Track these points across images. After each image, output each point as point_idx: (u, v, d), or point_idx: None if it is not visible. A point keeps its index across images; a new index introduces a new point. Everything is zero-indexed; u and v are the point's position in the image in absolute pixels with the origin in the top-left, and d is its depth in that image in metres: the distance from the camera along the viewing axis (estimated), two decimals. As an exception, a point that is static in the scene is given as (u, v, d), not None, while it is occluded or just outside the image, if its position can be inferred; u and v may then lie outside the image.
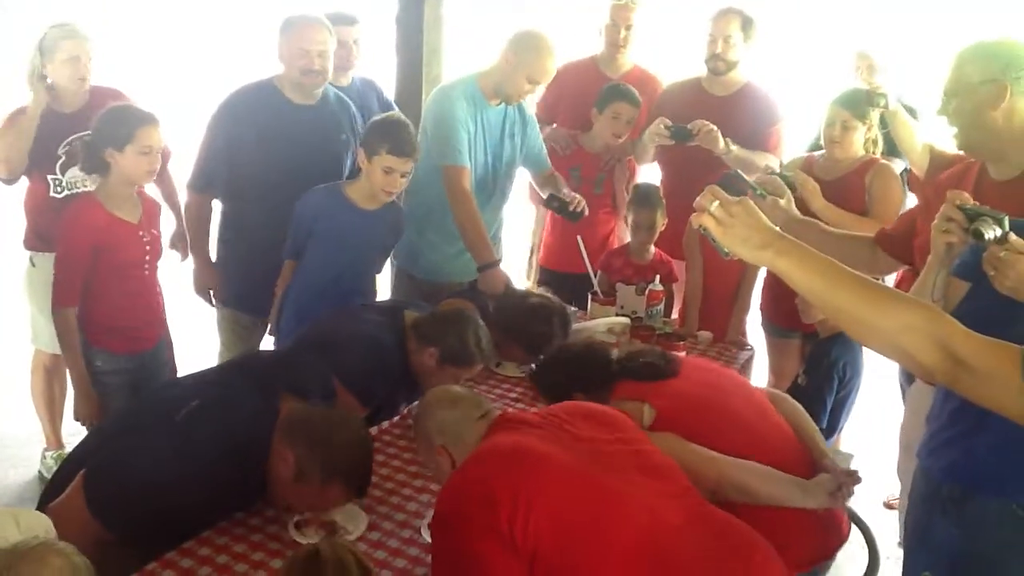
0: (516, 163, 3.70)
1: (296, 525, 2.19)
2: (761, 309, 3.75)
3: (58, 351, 3.71)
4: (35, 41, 3.40)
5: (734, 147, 3.70)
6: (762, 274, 3.73)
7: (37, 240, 3.62)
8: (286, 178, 3.34)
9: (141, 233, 3.08)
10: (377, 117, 3.35)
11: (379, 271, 3.61)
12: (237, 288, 3.60)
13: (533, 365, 3.24)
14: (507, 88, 3.47)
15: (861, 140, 3.39)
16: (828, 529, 2.31)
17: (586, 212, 3.59)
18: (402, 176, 3.19)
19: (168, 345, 3.36)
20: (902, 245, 2.69)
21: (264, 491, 2.25)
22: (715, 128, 3.64)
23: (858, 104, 3.33)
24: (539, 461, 1.87)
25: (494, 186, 3.65)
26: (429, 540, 2.15)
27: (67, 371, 3.81)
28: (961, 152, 2.50)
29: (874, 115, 3.36)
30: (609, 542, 1.77)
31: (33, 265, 3.64)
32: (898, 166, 3.84)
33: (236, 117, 3.34)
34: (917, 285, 2.21)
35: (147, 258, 3.12)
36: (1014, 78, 2.23)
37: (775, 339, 3.74)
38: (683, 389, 2.36)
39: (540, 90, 3.73)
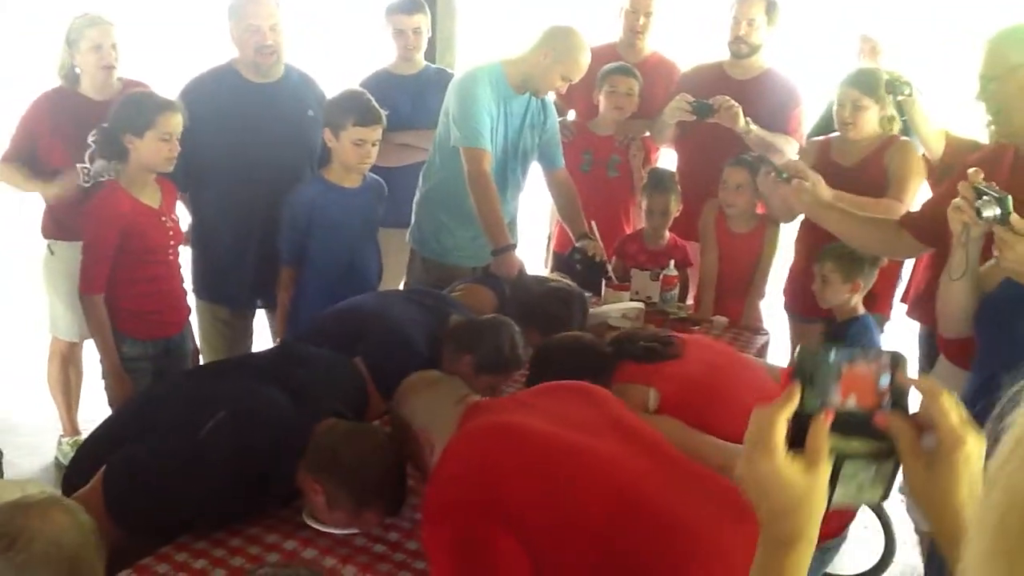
0: (533, 154, 3.68)
1: (309, 511, 2.17)
2: (785, 294, 3.73)
3: (74, 339, 3.74)
4: (63, 34, 3.43)
5: (753, 126, 3.67)
6: (786, 264, 3.70)
7: (56, 228, 3.61)
8: (253, 161, 3.35)
9: (163, 219, 3.09)
10: (334, 94, 3.36)
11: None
12: (210, 279, 3.58)
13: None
14: (539, 82, 3.45)
15: (875, 120, 3.32)
16: None
17: (608, 269, 3.56)
18: (372, 145, 3.21)
19: (191, 331, 3.37)
20: (929, 228, 2.64)
21: (284, 500, 2.23)
22: (736, 105, 3.62)
23: (868, 83, 3.28)
24: (515, 432, 1.87)
25: (510, 174, 3.63)
26: None
27: (82, 359, 3.86)
28: (999, 138, 2.48)
29: (889, 97, 3.31)
30: (584, 498, 1.76)
31: (52, 253, 3.64)
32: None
33: (195, 104, 3.22)
34: (947, 266, 2.21)
35: (171, 243, 3.13)
36: None
37: (798, 324, 3.71)
38: (686, 371, 2.33)
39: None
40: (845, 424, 0.99)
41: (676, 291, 3.58)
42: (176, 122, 2.98)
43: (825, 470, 0.98)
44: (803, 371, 1.01)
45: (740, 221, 3.66)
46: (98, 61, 3.41)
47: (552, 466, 1.80)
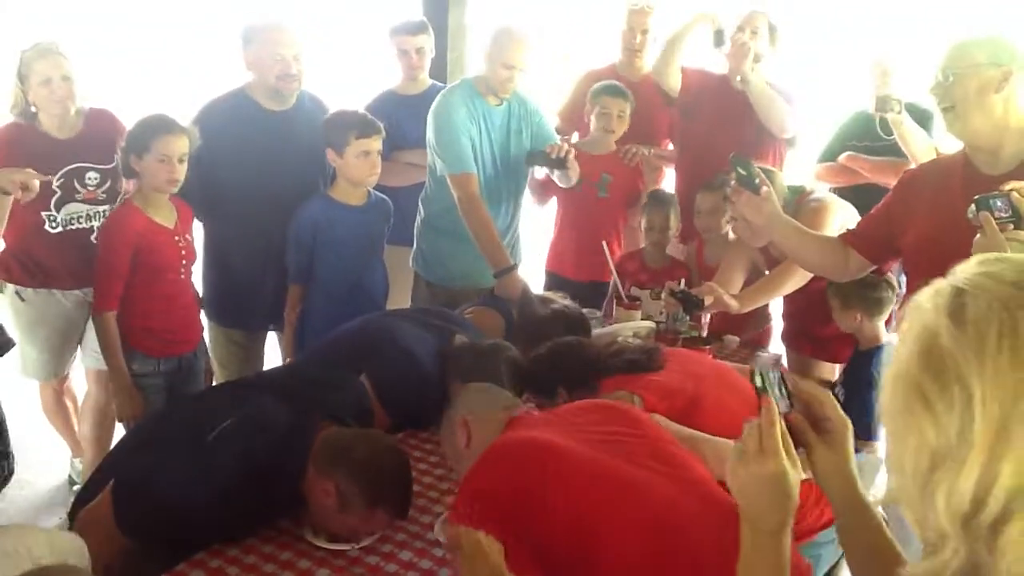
0: None
1: (312, 527, 2.19)
2: (784, 335, 3.66)
3: (45, 379, 3.68)
4: (14, 67, 3.23)
5: (753, 76, 3.72)
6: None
7: (23, 274, 3.41)
8: (270, 188, 3.36)
9: (176, 238, 3.12)
10: (328, 116, 3.41)
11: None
12: (227, 304, 3.58)
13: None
14: (491, 81, 3.49)
15: None
16: (823, 500, 2.30)
17: (571, 155, 3.51)
18: (377, 155, 3.26)
19: (204, 351, 3.39)
20: (879, 245, 2.69)
21: (289, 509, 2.25)
22: (749, 45, 3.68)
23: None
24: (552, 453, 1.87)
25: (505, 185, 3.65)
26: (442, 539, 2.16)
27: (72, 385, 3.84)
28: (957, 138, 2.46)
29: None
30: (624, 525, 1.76)
31: (22, 300, 3.45)
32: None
33: (211, 131, 3.18)
34: None
35: (183, 263, 3.15)
36: (1019, 67, 2.26)
37: (797, 358, 3.65)
38: (667, 382, 2.39)
39: (541, 83, 3.73)
40: None
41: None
42: (176, 145, 2.96)
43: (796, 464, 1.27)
44: (764, 387, 1.33)
45: (716, 250, 3.65)
46: (49, 95, 3.20)
47: (590, 492, 1.80)
